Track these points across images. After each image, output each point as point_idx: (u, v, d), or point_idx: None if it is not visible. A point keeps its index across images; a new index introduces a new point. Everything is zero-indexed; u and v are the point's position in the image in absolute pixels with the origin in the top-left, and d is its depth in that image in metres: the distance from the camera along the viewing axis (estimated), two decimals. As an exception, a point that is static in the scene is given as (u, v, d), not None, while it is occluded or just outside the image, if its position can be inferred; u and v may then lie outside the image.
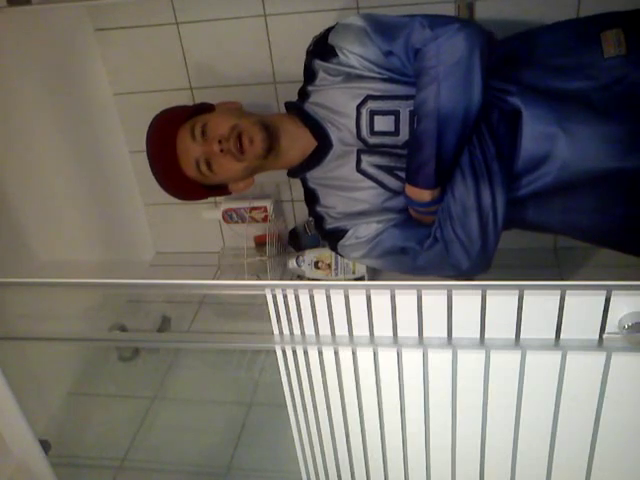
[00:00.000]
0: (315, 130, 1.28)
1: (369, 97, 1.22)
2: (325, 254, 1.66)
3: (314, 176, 1.33)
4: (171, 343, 1.34)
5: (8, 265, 1.76)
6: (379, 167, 1.24)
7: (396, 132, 1.22)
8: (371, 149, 1.24)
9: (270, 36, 1.57)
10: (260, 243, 1.74)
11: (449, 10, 1.42)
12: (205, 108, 1.36)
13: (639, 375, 0.82)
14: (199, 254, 1.88)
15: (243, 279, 1.66)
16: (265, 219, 1.73)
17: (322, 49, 1.26)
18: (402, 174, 1.22)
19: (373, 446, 1.00)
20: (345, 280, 1.65)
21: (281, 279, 1.71)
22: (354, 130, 1.24)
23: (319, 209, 1.33)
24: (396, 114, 1.21)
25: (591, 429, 0.87)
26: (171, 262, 1.91)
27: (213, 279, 1.74)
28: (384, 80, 1.22)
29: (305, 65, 1.32)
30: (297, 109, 1.32)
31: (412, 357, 0.87)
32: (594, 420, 0.86)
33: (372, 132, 1.23)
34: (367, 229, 1.26)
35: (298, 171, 1.34)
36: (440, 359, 0.86)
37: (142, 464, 1.44)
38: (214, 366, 1.51)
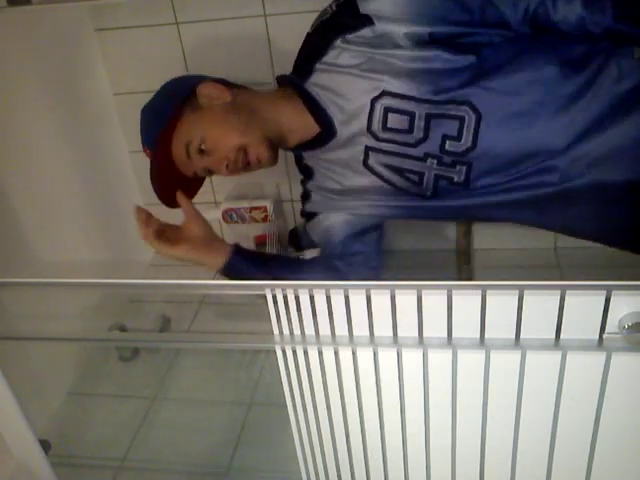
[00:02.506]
0: (318, 116, 1.22)
1: (385, 93, 1.14)
2: (325, 254, 1.66)
3: (311, 155, 1.31)
4: (171, 343, 1.34)
5: (8, 265, 1.76)
6: (387, 166, 1.21)
7: (410, 130, 1.16)
8: (380, 144, 1.20)
9: (270, 36, 1.57)
10: (260, 243, 1.74)
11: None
12: (186, 100, 1.26)
13: (639, 375, 0.82)
14: (199, 254, 1.87)
15: (243, 279, 1.65)
16: (265, 219, 1.72)
17: (348, 20, 1.13)
18: (411, 176, 1.20)
19: (373, 446, 1.00)
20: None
21: (281, 279, 1.70)
22: (365, 122, 1.18)
23: (310, 186, 1.35)
24: (411, 115, 1.15)
25: (591, 429, 0.87)
26: (171, 262, 1.90)
27: (213, 279, 1.74)
28: (406, 74, 1.13)
29: (311, 37, 1.21)
30: (298, 88, 1.23)
31: (412, 357, 0.87)
32: (594, 420, 0.86)
33: (384, 128, 1.17)
34: (333, 217, 1.32)
35: (293, 150, 1.33)
36: (440, 359, 0.86)
37: (142, 464, 1.44)
38: (214, 366, 1.51)
